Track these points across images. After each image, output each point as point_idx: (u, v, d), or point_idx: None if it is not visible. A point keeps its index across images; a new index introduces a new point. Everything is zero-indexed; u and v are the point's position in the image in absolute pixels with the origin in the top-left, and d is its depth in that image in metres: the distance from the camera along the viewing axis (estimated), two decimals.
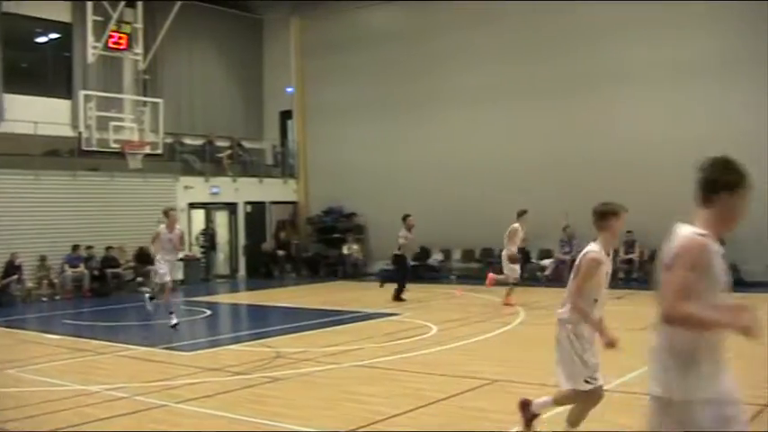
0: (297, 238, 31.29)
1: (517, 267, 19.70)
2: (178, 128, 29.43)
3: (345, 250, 29.72)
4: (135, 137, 26.46)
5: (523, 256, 25.80)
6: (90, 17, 26.29)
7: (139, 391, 10.35)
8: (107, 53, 26.98)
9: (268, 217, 31.31)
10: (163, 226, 16.83)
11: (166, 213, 17.14)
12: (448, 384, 10.46)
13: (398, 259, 21.62)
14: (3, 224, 23.11)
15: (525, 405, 7.77)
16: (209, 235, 28.86)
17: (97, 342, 14.99)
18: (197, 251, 28.28)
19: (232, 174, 29.93)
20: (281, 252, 30.16)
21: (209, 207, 29.17)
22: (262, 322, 19.05)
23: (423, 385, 10.45)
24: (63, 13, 27.23)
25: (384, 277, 22.87)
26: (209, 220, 29.34)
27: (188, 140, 30.09)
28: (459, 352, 13.25)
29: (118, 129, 26.05)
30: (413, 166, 28.68)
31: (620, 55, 24.87)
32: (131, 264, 25.61)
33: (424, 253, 27.85)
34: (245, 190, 30.04)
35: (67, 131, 26.16)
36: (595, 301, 7.13)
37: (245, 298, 25.09)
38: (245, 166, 31.01)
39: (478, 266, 27.40)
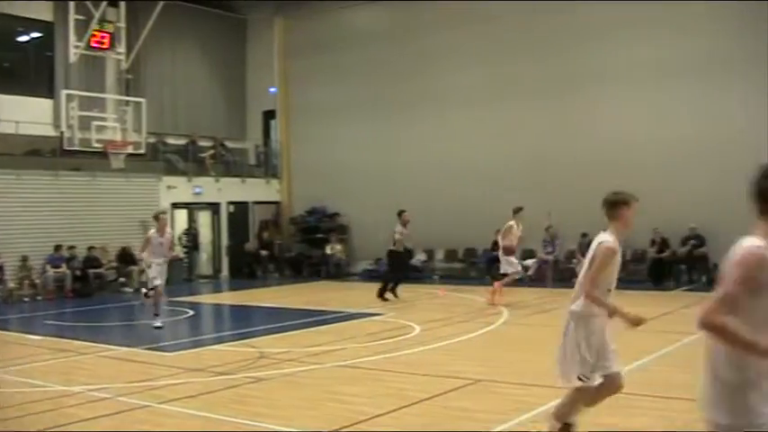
0: (280, 238, 31.24)
1: (514, 260, 19.62)
2: (161, 128, 29.34)
3: (328, 250, 29.70)
4: (117, 136, 26.33)
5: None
6: (72, 16, 26.13)
7: (122, 392, 10.32)
8: (89, 52, 26.83)
9: (251, 217, 31.25)
10: (153, 230, 16.78)
11: (157, 217, 17.12)
12: (431, 384, 10.47)
13: (393, 255, 21.53)
14: None
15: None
16: (191, 235, 28.79)
17: (79, 342, 14.92)
18: (180, 251, 28.19)
19: (215, 174, 29.86)
20: (264, 252, 30.12)
21: (191, 207, 29.09)
22: (245, 322, 19.02)
23: (406, 385, 10.46)
24: (45, 13, 27.08)
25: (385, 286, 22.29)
26: (191, 220, 29.26)
27: (171, 140, 29.98)
28: (443, 352, 13.27)
29: (100, 128, 25.92)
30: (397, 167, 28.70)
31: (607, 55, 24.98)
32: (114, 264, 25.50)
33: (408, 253, 27.84)
34: (227, 190, 29.98)
35: (49, 131, 26.01)
36: (609, 291, 7.05)
37: (228, 298, 25.05)
38: (228, 165, 30.95)
39: (461, 266, 27.51)
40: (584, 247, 24.65)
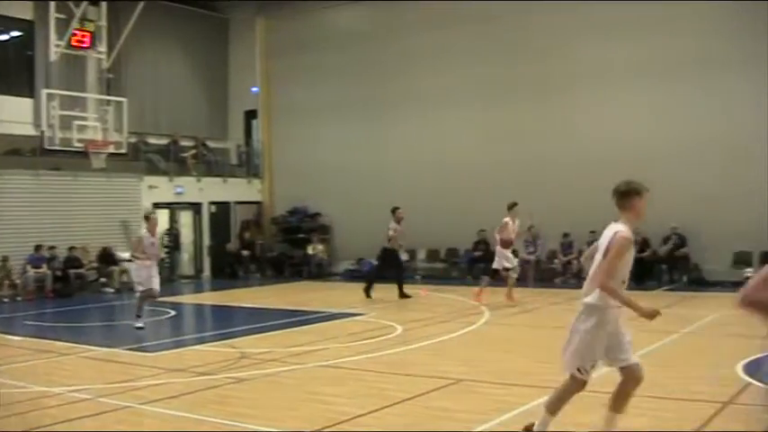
0: (261, 238, 31.20)
1: (510, 255, 19.58)
2: (142, 127, 29.24)
3: (310, 250, 29.69)
4: (98, 136, 26.23)
5: (488, 257, 25.98)
6: (53, 15, 26.03)
7: (103, 393, 10.28)
8: (70, 51, 26.73)
9: (233, 217, 31.20)
10: (144, 230, 16.76)
11: (147, 217, 17.11)
12: (413, 384, 10.48)
13: (387, 253, 21.47)
14: None
15: None
16: (173, 235, 28.70)
17: (60, 343, 14.84)
18: (161, 251, 28.09)
19: (196, 173, 29.81)
20: (245, 252, 30.07)
21: (173, 207, 29.00)
22: (226, 323, 18.97)
23: (388, 385, 10.46)
24: (25, 11, 26.90)
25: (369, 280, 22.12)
26: (173, 220, 29.17)
27: (152, 140, 29.88)
28: (425, 352, 13.29)
29: (81, 128, 25.83)
30: (378, 167, 28.74)
31: (591, 56, 25.14)
32: (95, 264, 25.40)
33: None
34: (209, 190, 29.93)
35: (30, 130, 25.85)
36: (623, 282, 6.92)
37: (209, 298, 24.99)
38: (210, 165, 30.90)
39: (443, 266, 27.54)
40: (566, 247, 24.95)
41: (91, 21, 26.94)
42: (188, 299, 24.05)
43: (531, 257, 24.86)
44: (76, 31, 26.49)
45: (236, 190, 31.27)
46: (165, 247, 27.82)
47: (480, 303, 18.98)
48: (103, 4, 27.34)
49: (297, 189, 30.99)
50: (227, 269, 29.88)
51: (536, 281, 23.45)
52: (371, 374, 11.30)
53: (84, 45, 26.87)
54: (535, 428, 7.32)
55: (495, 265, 19.64)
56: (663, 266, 23.71)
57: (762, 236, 21.76)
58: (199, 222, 30.07)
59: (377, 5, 29.28)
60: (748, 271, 22.32)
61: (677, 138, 23.44)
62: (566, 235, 25.02)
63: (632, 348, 7.02)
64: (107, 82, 28.21)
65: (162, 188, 28.11)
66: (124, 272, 25.51)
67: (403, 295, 20.72)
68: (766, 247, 22.06)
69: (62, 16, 26.22)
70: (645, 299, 20.35)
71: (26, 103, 26.49)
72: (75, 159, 25.45)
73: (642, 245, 23.75)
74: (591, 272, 7.05)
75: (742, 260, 22.57)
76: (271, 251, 31.11)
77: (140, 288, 16.64)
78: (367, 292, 20.92)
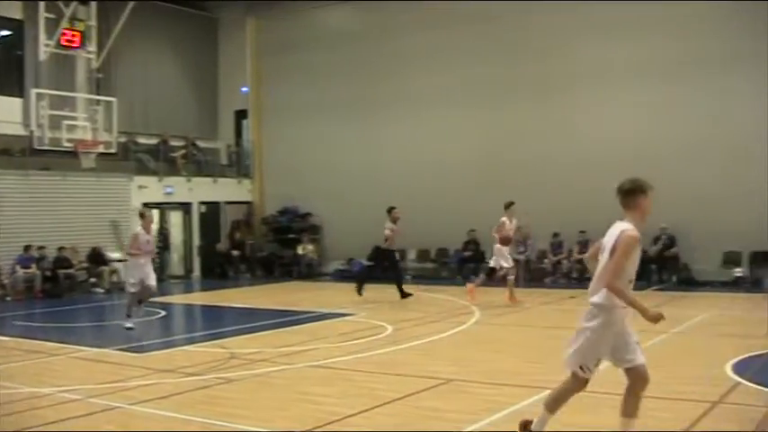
0: (252, 238, 31.17)
1: (507, 254, 19.49)
2: (132, 127, 29.19)
3: (300, 250, 29.67)
4: (88, 136, 26.20)
5: (478, 257, 26.05)
6: (42, 15, 25.99)
7: (93, 393, 10.26)
8: (60, 51, 26.68)
9: (223, 217, 31.16)
10: (140, 227, 16.73)
11: (143, 214, 17.05)
12: (403, 384, 10.49)
13: (385, 254, 21.43)
14: None
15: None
16: (163, 235, 28.65)
17: (50, 344, 14.80)
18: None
19: (186, 173, 29.76)
20: (235, 252, 30.04)
21: (163, 207, 28.93)
22: (216, 323, 18.96)
23: (378, 385, 10.47)
24: (14, 11, 26.83)
25: (362, 282, 22.04)
26: (163, 220, 29.11)
27: (142, 140, 29.81)
28: (415, 352, 13.29)
29: (71, 128, 25.79)
30: (369, 167, 28.75)
31: (583, 56, 25.22)
32: (84, 264, 25.32)
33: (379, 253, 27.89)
34: (199, 190, 29.88)
35: (19, 130, 25.77)
36: (630, 282, 6.79)
37: (199, 298, 24.95)
38: (200, 165, 30.85)
39: (433, 266, 27.56)
40: (556, 246, 24.98)
41: (80, 20, 26.90)
42: (178, 299, 24.00)
43: (522, 257, 24.87)
44: (66, 31, 26.45)
45: (226, 190, 31.23)
46: (156, 247, 27.79)
47: (471, 303, 18.98)
48: (93, 4, 27.31)
49: (287, 189, 30.97)
50: (218, 269, 29.84)
51: (526, 281, 23.46)
52: (361, 374, 11.30)
53: (74, 45, 26.82)
54: (533, 427, 7.28)
55: (492, 264, 19.60)
56: (652, 266, 23.76)
57: (751, 236, 21.85)
58: (189, 222, 30.03)
59: (367, 5, 29.28)
60: (737, 271, 22.46)
61: (668, 138, 23.50)
62: (555, 235, 25.08)
63: (639, 350, 6.90)
64: (97, 82, 28.17)
65: (152, 188, 28.05)
66: (114, 272, 25.50)
67: (404, 295, 20.60)
68: (755, 248, 22.17)
69: (52, 16, 26.18)
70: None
71: (15, 102, 26.41)
72: (64, 159, 25.40)
73: None
74: (597, 271, 6.94)
75: (731, 260, 22.66)
76: (261, 251, 31.08)
77: (132, 287, 16.52)
78: (359, 290, 20.92)
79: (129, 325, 16.18)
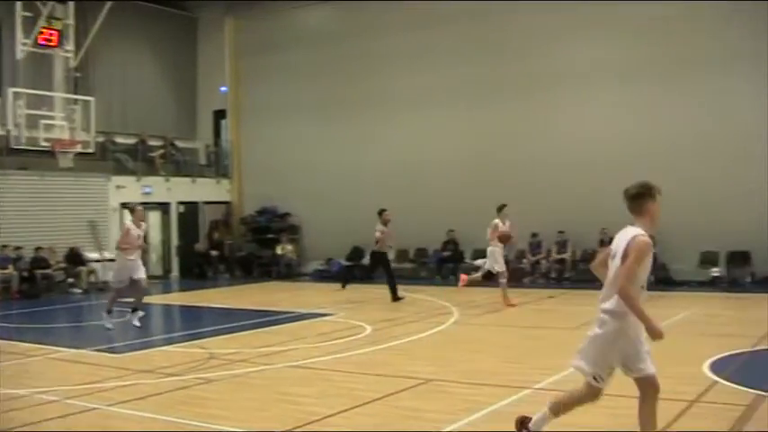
0: (230, 238, 31.10)
1: (501, 258, 19.39)
2: (110, 126, 29.06)
3: (279, 250, 29.61)
4: (66, 135, 26.04)
5: (457, 257, 26.11)
6: (19, 13, 25.77)
7: (70, 395, 10.20)
8: (37, 50, 26.50)
9: (201, 217, 31.07)
10: (130, 221, 16.78)
11: (133, 209, 17.11)
12: (382, 384, 10.49)
13: (376, 256, 21.38)
14: None
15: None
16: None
17: (26, 345, 14.70)
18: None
19: (165, 173, 29.65)
20: (214, 252, 29.94)
21: (129, 208, 28.70)
22: (195, 323, 18.91)
23: (357, 385, 10.47)
24: None
25: (347, 278, 22.11)
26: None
27: (120, 139, 29.68)
28: (394, 352, 13.30)
29: (48, 127, 25.63)
30: (347, 167, 28.75)
31: (562, 56, 25.29)
32: (62, 265, 25.18)
33: (358, 253, 27.93)
34: (177, 190, 29.77)
35: None
36: (642, 287, 6.58)
37: (177, 299, 24.85)
38: (178, 165, 30.74)
39: (412, 266, 27.56)
40: (534, 246, 25.04)
41: (58, 19, 26.74)
42: (156, 299, 23.84)
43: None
44: (44, 30, 26.29)
45: (204, 190, 31.15)
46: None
47: (461, 286, 19.09)
48: (71, 3, 27.13)
49: (266, 189, 30.92)
50: (196, 269, 29.74)
51: (508, 281, 23.48)
52: (341, 375, 11.30)
53: (52, 44, 26.67)
54: (531, 426, 7.16)
55: (487, 267, 19.49)
56: None
57: (728, 236, 22.00)
58: (167, 222, 29.91)
59: (347, 5, 29.26)
60: (714, 271, 22.60)
61: (645, 140, 23.60)
62: (534, 235, 25.14)
63: (650, 359, 6.69)
64: (74, 81, 28.01)
65: (130, 188, 27.90)
66: (92, 272, 25.37)
67: (396, 298, 20.47)
68: (732, 248, 22.31)
69: (29, 14, 25.99)
70: None
71: None
72: (42, 159, 25.25)
73: (610, 245, 23.93)
74: (609, 277, 6.69)
75: (708, 260, 22.80)
76: (240, 251, 31.01)
77: (118, 284, 16.54)
78: (344, 285, 20.90)
79: (108, 326, 16.10)
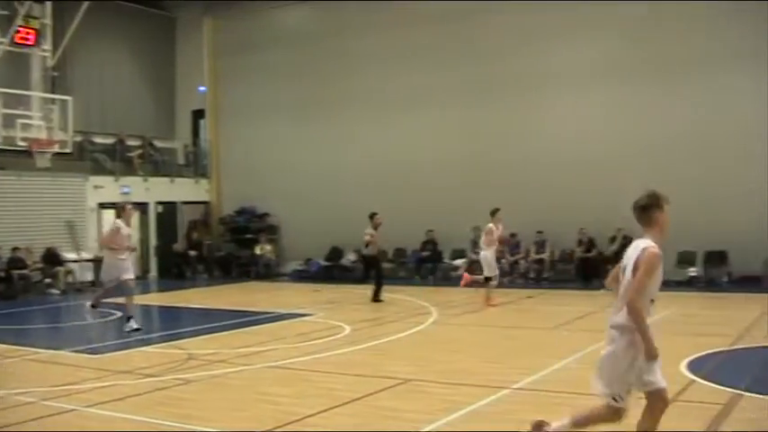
0: (209, 238, 31.01)
1: (494, 263, 19.38)
2: (88, 126, 28.88)
3: (258, 250, 29.56)
4: (43, 135, 25.85)
5: (435, 257, 26.16)
6: None
7: (47, 396, 10.14)
8: (14, 49, 26.32)
9: (180, 217, 30.97)
10: (120, 220, 16.44)
11: (123, 208, 16.78)
12: (361, 384, 10.51)
13: (368, 260, 21.34)
14: None
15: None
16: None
17: (3, 346, 14.60)
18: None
19: (143, 173, 29.53)
20: (192, 252, 29.84)
21: (119, 207, 28.60)
22: (173, 323, 18.85)
23: (336, 385, 10.48)
24: None
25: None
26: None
27: (98, 139, 29.53)
28: (373, 352, 13.32)
29: (25, 126, 25.43)
30: (326, 167, 28.73)
31: (541, 58, 25.35)
32: (39, 265, 25.02)
33: (337, 253, 27.95)
34: (156, 190, 29.65)
35: None
36: (652, 301, 6.48)
37: (156, 299, 24.72)
38: (157, 165, 30.63)
39: (391, 267, 27.56)
40: (513, 247, 25.09)
41: (35, 18, 26.55)
42: (135, 299, 23.77)
43: (478, 257, 24.98)
44: (21, 29, 26.12)
45: (183, 190, 31.06)
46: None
47: (496, 305, 18.87)
48: (48, 2, 26.94)
49: (244, 189, 30.87)
50: (175, 269, 29.65)
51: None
52: (320, 375, 11.30)
53: (29, 42, 26.49)
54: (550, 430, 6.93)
55: (486, 273, 19.42)
56: (608, 267, 23.91)
57: (705, 236, 22.12)
58: (145, 222, 29.77)
59: (325, 6, 29.24)
60: (692, 270, 22.73)
61: (623, 140, 23.73)
62: (513, 235, 25.18)
63: (660, 372, 6.58)
64: (52, 80, 27.81)
65: (108, 188, 27.77)
66: (69, 272, 25.24)
67: (376, 299, 20.42)
68: (709, 248, 22.43)
69: (5, 13, 25.84)
70: (590, 299, 20.64)
71: None
72: (19, 158, 25.05)
73: (588, 245, 24.05)
74: (620, 291, 6.56)
75: (686, 260, 22.91)
76: (218, 251, 30.93)
77: (109, 283, 16.26)
78: (376, 297, 20.58)
79: (135, 326, 15.82)
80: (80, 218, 26.42)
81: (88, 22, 27.82)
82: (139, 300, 23.32)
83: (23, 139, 25.08)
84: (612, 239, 23.70)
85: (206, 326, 16.86)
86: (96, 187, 27.30)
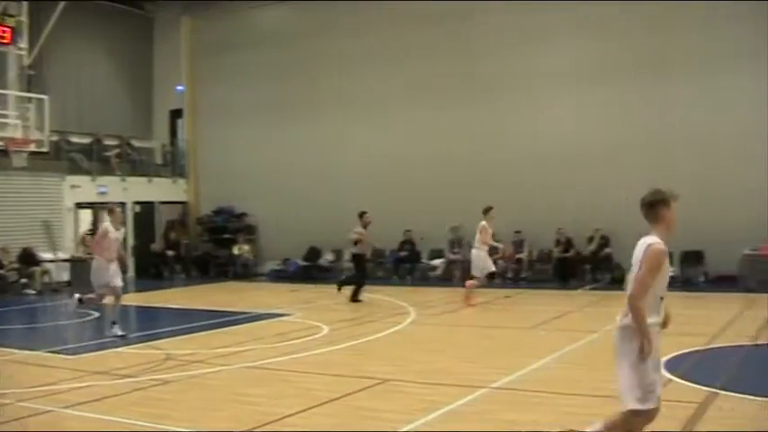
0: (187, 238, 30.91)
1: (490, 262, 19.35)
2: (65, 125, 28.70)
3: (236, 250, 29.49)
4: (19, 134, 25.68)
5: (414, 257, 26.17)
6: None
7: (23, 397, 10.06)
8: None
9: (157, 217, 30.84)
10: (108, 223, 15.80)
11: (112, 210, 16.07)
12: (340, 384, 10.51)
13: (358, 258, 21.21)
14: None
15: None
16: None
17: None
18: (84, 252, 27.62)
19: (120, 173, 29.41)
20: (170, 252, 29.72)
21: (96, 207, 28.50)
22: (151, 324, 18.75)
23: (315, 385, 10.47)
24: None
25: (341, 281, 21.83)
26: (96, 220, 28.67)
27: (75, 138, 29.33)
28: (351, 352, 13.33)
29: (1, 125, 25.27)
30: (304, 167, 28.67)
31: (521, 59, 25.33)
32: (15, 265, 24.87)
33: (315, 253, 27.91)
34: (133, 189, 29.52)
35: None
36: (661, 299, 6.51)
37: (133, 299, 24.51)
38: (134, 165, 30.50)
39: (369, 266, 27.55)
40: (491, 246, 25.10)
41: (12, 16, 26.37)
42: (112, 299, 23.67)
43: (458, 257, 25.04)
44: None
45: (160, 190, 30.95)
46: (88, 246, 27.40)
47: (475, 305, 18.85)
48: (24, 1, 26.78)
49: (222, 189, 30.79)
50: (152, 269, 29.54)
51: (462, 281, 23.57)
52: (298, 375, 11.29)
53: (5, 41, 26.29)
54: None
55: (491, 269, 19.42)
56: (586, 266, 24.07)
57: (681, 236, 22.06)
58: (123, 222, 29.58)
59: (304, 6, 29.21)
60: (669, 270, 22.83)
61: (601, 140, 23.82)
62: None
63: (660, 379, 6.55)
64: (28, 79, 27.59)
65: (85, 188, 27.66)
66: (46, 272, 25.10)
67: (355, 299, 20.38)
68: (686, 247, 22.53)
69: None
70: (568, 298, 20.72)
71: None
72: None
73: (566, 245, 24.14)
74: (627, 290, 6.50)
75: None
76: (196, 251, 30.84)
77: (101, 289, 15.69)
78: (355, 297, 20.51)
79: (120, 333, 15.28)
80: (57, 218, 26.29)
81: (65, 21, 27.66)
82: None
83: None
84: (590, 239, 23.83)
85: (184, 326, 16.82)
86: (73, 187, 27.19)
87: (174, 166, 32.52)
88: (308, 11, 29.17)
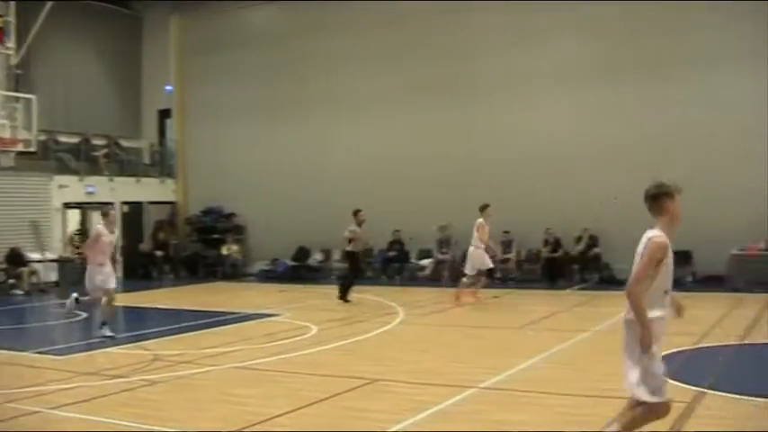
0: (175, 238, 30.84)
1: (487, 259, 19.39)
2: (53, 125, 28.61)
3: (225, 251, 29.46)
4: (7, 134, 25.59)
5: (402, 257, 26.18)
6: None
7: (11, 398, 10.01)
8: None
9: (146, 217, 30.78)
10: (101, 226, 15.59)
11: (106, 213, 15.81)
12: (328, 384, 10.50)
13: (349, 256, 21.20)
14: None
15: None
16: (84, 235, 28.14)
17: None
18: (72, 252, 27.58)
19: (109, 173, 29.33)
20: (159, 252, 29.67)
21: (84, 207, 28.45)
22: (139, 324, 18.69)
23: (303, 386, 10.46)
24: None
25: (340, 290, 21.08)
26: (84, 220, 28.63)
27: (63, 138, 29.25)
28: (340, 352, 13.32)
29: None
30: (293, 167, 28.64)
31: (507, 60, 25.46)
32: (2, 265, 24.80)
33: (304, 253, 27.89)
34: (121, 189, 29.43)
35: None
36: (665, 293, 6.53)
37: (121, 300, 24.32)
38: (123, 165, 30.44)
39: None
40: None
41: None
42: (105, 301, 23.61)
43: (446, 257, 25.06)
44: None
45: (149, 190, 30.88)
46: (77, 247, 27.36)
47: (462, 306, 18.90)
48: (12, 0, 26.71)
49: (211, 189, 30.74)
50: (141, 270, 29.46)
51: (451, 280, 23.60)
52: (286, 375, 11.28)
53: None
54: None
55: (489, 266, 19.46)
56: (575, 266, 24.11)
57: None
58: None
59: (293, 5, 29.20)
60: None
61: (590, 141, 23.84)
62: None
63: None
64: (16, 78, 27.50)
65: (73, 188, 27.58)
66: (33, 273, 25.01)
67: (344, 298, 20.29)
68: (674, 248, 22.44)
69: None
70: (556, 298, 20.75)
71: None
72: None
73: (554, 245, 24.18)
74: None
75: None
76: (184, 251, 30.78)
77: (95, 292, 15.55)
78: (344, 296, 20.38)
79: (109, 334, 15.09)
80: (44, 218, 26.21)
81: (53, 21, 27.57)
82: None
83: None
84: (578, 239, 23.88)
85: (172, 326, 16.80)
86: (61, 187, 27.10)
87: (162, 166, 32.46)
88: (297, 11, 29.16)
